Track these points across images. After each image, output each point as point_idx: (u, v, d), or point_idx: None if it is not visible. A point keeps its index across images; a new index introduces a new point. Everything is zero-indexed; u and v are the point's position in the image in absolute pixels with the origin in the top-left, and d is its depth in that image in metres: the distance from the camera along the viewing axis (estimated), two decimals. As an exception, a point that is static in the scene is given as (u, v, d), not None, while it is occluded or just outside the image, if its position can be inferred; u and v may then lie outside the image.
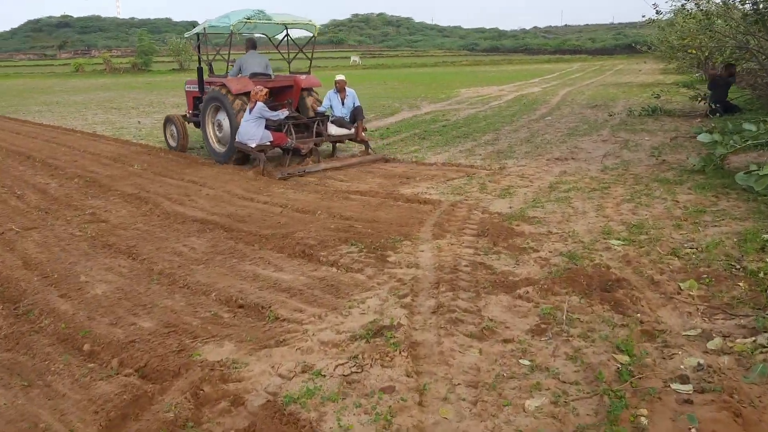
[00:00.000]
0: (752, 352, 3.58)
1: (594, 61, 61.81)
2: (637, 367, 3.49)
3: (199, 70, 11.19)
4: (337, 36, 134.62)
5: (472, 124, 14.75)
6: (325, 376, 3.47)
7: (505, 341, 3.86)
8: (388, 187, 8.17)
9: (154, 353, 3.74)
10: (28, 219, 7.21)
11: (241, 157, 10.01)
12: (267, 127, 9.57)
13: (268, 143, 9.55)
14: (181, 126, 11.72)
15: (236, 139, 9.62)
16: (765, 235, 5.51)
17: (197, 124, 11.24)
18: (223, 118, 10.17)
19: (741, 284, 4.58)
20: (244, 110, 9.55)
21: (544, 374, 3.46)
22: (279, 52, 11.87)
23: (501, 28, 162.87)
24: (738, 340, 3.74)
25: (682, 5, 14.84)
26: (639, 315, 4.17)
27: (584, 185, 7.94)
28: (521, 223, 6.34)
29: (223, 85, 10.01)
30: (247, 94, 9.65)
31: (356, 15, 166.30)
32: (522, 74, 40.37)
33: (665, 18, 19.90)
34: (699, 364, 3.50)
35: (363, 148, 10.67)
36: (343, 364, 3.56)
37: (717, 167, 8.32)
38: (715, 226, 6.03)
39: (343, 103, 10.77)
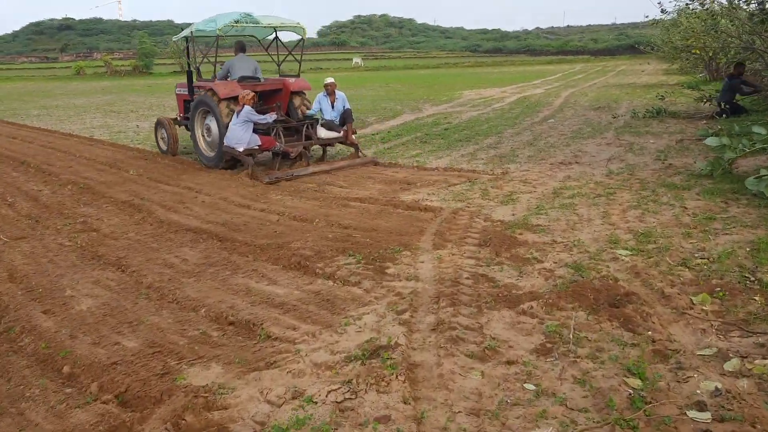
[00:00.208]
0: (773, 375, 3.36)
1: (596, 62, 61.52)
2: (650, 392, 3.27)
3: (189, 74, 11.14)
4: (339, 38, 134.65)
5: (474, 127, 14.54)
6: (316, 403, 3.25)
7: (509, 363, 3.64)
8: (388, 194, 7.97)
9: (136, 377, 3.53)
10: (18, 228, 7.01)
11: (230, 161, 9.88)
12: (255, 131, 9.47)
13: (257, 147, 9.46)
14: (171, 129, 11.63)
15: (224, 143, 9.52)
16: (779, 245, 5.29)
17: (189, 128, 11.11)
18: (212, 123, 10.07)
19: (757, 298, 4.36)
20: (232, 114, 9.45)
21: (550, 400, 3.24)
22: (269, 54, 11.78)
23: (503, 29, 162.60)
24: (757, 361, 3.52)
25: (687, 4, 14.65)
26: (650, 333, 3.95)
27: (589, 191, 7.73)
28: (524, 232, 6.12)
29: (211, 90, 9.90)
30: (235, 98, 9.55)
31: (358, 16, 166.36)
32: (524, 75, 40.14)
33: (669, 18, 19.70)
34: (716, 389, 3.28)
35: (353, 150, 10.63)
36: (336, 390, 3.34)
37: (725, 171, 8.10)
38: (726, 234, 5.80)
39: (332, 106, 10.70)
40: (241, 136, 9.27)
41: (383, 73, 50.16)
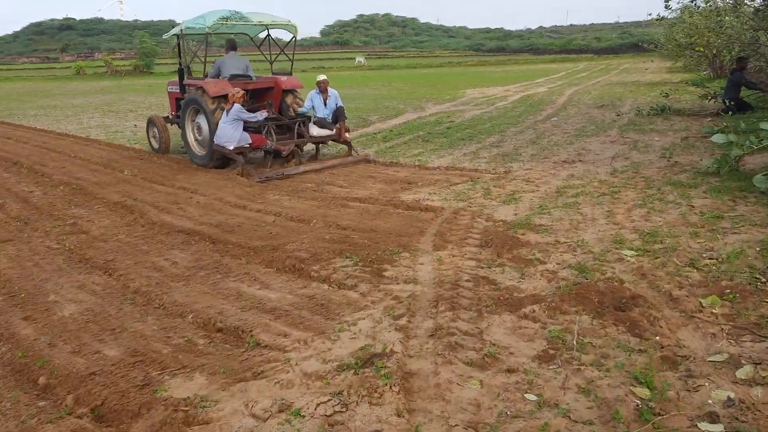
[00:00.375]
0: (789, 384, 3.16)
1: (600, 61, 61.17)
2: (659, 402, 3.08)
3: (180, 72, 11.03)
4: (342, 37, 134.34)
5: (477, 125, 14.33)
6: (304, 416, 3.05)
7: (509, 371, 3.44)
8: (388, 193, 7.77)
9: (114, 388, 3.33)
10: (5, 230, 6.82)
11: (220, 159, 9.75)
12: (246, 129, 9.35)
13: (247, 145, 9.35)
14: (162, 127, 11.54)
15: (214, 142, 9.40)
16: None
17: (180, 126, 10.99)
18: (202, 121, 9.96)
19: (769, 301, 4.16)
20: (222, 113, 9.34)
21: (552, 412, 3.05)
22: (261, 53, 11.65)
23: (506, 28, 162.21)
24: (771, 369, 3.32)
25: (692, 0, 14.44)
26: (658, 338, 3.75)
27: (593, 189, 7.52)
28: (527, 232, 5.93)
29: (201, 88, 9.77)
30: (226, 96, 9.44)
31: (361, 15, 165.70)
32: (528, 74, 39.88)
33: (672, 16, 19.51)
34: (729, 399, 3.09)
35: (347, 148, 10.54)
36: (325, 402, 3.14)
37: (732, 169, 7.89)
38: (735, 233, 5.60)
39: (325, 104, 10.59)
40: (231, 134, 9.16)
41: (386, 72, 49.94)
